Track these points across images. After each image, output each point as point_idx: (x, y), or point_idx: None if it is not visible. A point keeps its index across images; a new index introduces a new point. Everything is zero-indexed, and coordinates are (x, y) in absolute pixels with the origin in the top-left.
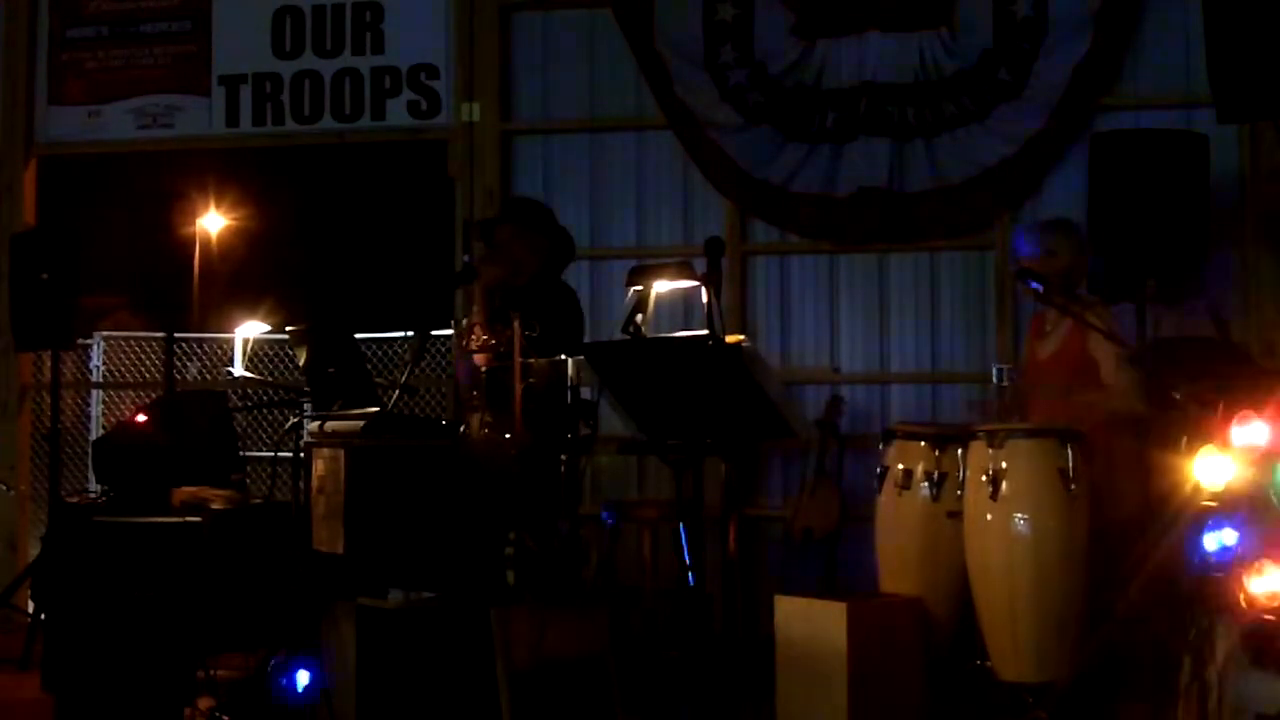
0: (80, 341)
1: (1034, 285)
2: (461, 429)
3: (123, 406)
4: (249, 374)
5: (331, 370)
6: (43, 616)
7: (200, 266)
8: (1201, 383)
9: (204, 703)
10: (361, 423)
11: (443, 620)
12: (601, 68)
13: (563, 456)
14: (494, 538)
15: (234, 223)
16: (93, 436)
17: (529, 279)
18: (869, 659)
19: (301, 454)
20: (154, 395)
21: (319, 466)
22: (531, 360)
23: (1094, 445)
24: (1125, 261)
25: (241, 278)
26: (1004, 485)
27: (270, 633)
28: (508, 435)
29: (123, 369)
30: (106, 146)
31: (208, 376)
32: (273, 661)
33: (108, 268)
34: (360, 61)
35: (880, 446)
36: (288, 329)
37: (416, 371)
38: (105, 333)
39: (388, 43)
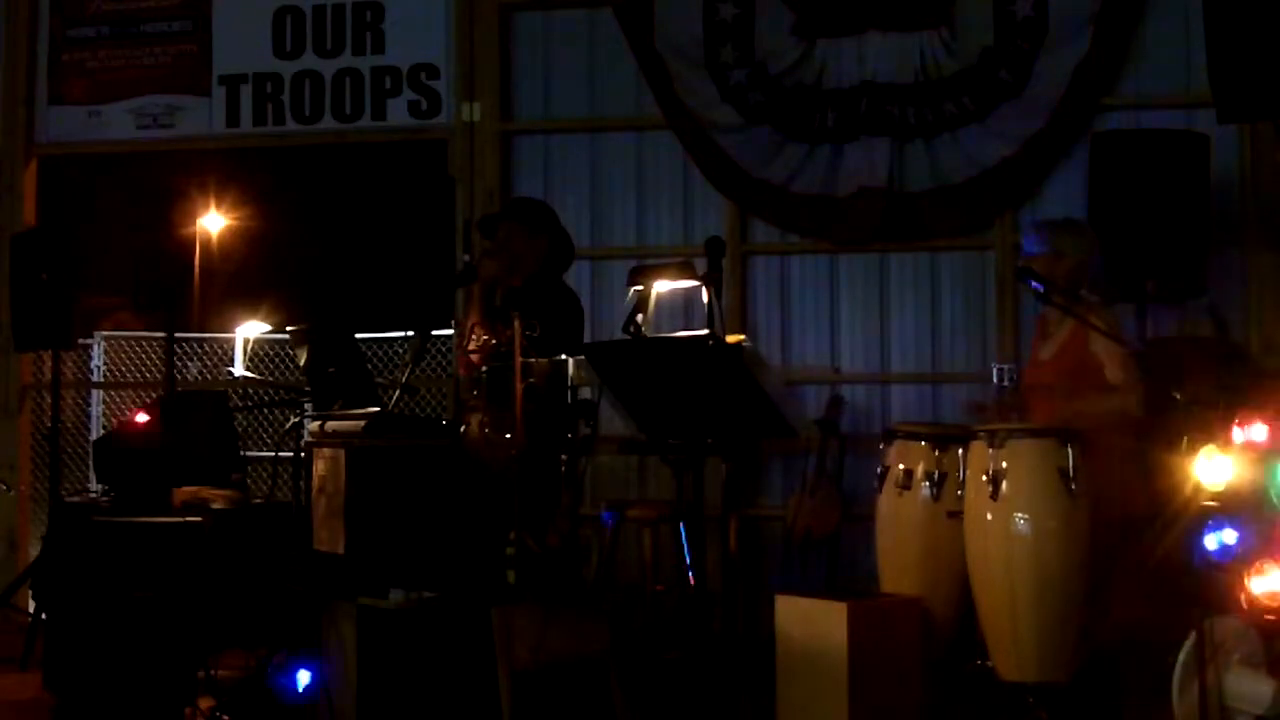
0: (80, 341)
1: (1034, 285)
2: (461, 429)
3: (123, 406)
4: (249, 374)
5: (332, 370)
6: (43, 616)
7: (200, 266)
8: (1201, 383)
9: (204, 702)
10: (362, 423)
11: (443, 620)
12: (601, 68)
13: (563, 456)
14: (494, 538)
15: (234, 223)
16: (93, 436)
17: (527, 279)
18: (869, 659)
19: (302, 454)
20: (154, 395)
21: (319, 466)
22: (532, 360)
23: (1094, 445)
24: (1125, 261)
25: (241, 278)
26: (1004, 485)
27: (270, 632)
28: (508, 435)
29: (123, 369)
30: (107, 146)
31: (208, 376)
32: (273, 661)
33: (108, 268)
34: (360, 61)
35: (880, 446)
36: (288, 329)
37: (416, 371)
38: (105, 333)
39: (388, 43)
